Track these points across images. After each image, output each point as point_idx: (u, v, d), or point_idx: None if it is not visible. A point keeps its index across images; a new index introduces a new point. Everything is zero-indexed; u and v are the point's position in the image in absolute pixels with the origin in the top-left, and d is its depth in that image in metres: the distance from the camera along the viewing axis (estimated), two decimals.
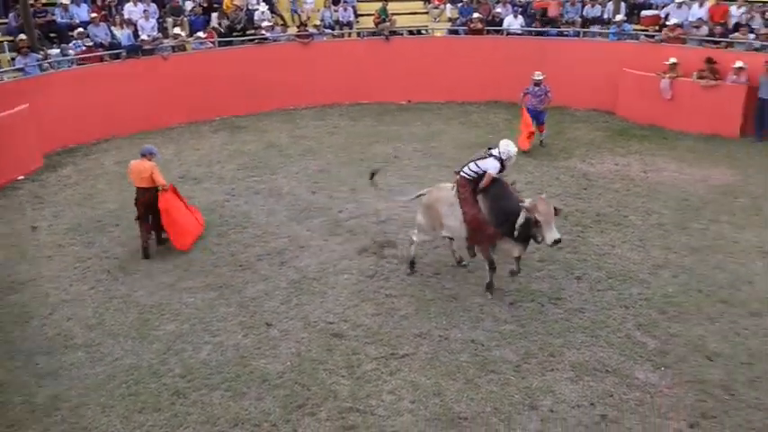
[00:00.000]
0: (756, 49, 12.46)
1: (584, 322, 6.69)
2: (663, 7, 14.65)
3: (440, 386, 5.82)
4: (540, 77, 11.72)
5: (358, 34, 15.90)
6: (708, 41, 13.18)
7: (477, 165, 7.04)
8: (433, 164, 11.32)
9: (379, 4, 15.59)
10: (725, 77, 12.30)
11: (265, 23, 14.79)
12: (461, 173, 7.17)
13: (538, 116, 11.77)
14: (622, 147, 12.02)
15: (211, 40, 14.30)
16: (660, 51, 13.14)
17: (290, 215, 9.41)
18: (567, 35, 14.85)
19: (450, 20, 16.33)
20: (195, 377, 6.03)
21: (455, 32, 15.55)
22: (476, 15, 15.11)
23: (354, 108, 14.88)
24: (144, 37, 13.55)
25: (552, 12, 15.43)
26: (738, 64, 12.00)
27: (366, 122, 13.89)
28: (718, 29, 13.32)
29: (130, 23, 13.89)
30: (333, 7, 15.86)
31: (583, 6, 15.20)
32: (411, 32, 16.23)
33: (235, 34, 14.63)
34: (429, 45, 15.45)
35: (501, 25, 15.14)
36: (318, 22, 15.28)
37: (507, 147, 6.98)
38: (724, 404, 5.53)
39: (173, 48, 13.86)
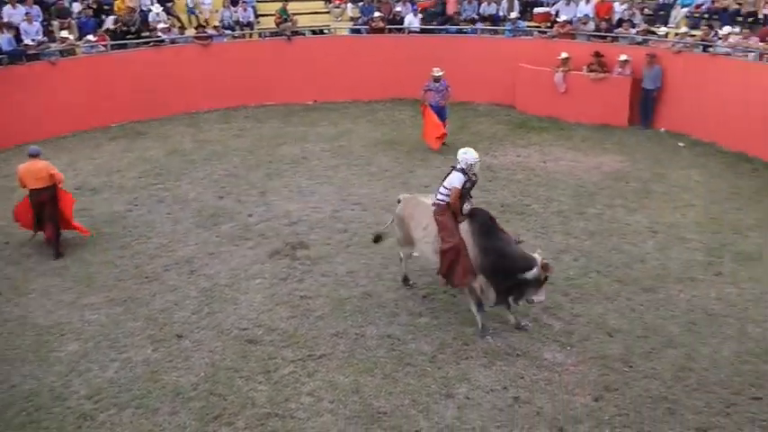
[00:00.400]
0: (638, 43, 13.31)
1: (495, 309, 6.89)
2: (553, 4, 15.38)
3: (358, 383, 5.85)
4: (440, 73, 11.78)
5: (259, 35, 15.66)
6: (595, 36, 13.95)
7: (444, 186, 6.47)
8: (342, 163, 11.34)
9: (279, 5, 15.42)
10: (612, 70, 13.07)
11: (161, 25, 14.27)
12: (436, 202, 6.58)
13: (440, 112, 11.94)
14: (522, 139, 12.52)
15: (103, 43, 13.63)
16: (553, 47, 13.78)
17: (197, 222, 9.15)
18: (465, 32, 15.28)
19: (351, 19, 16.40)
20: (103, 397, 5.75)
21: (357, 32, 15.63)
22: (377, 14, 15.26)
23: (260, 110, 14.65)
24: (28, 42, 12.72)
25: (450, 9, 15.82)
26: (623, 57, 12.79)
27: (272, 124, 13.71)
28: (604, 24, 14.14)
29: (11, 27, 12.97)
30: (232, 8, 15.52)
31: (479, 4, 15.69)
32: (313, 32, 16.16)
33: (129, 37, 14.01)
34: (332, 44, 15.45)
35: (402, 24, 15.37)
36: (217, 23, 14.92)
37: (465, 155, 6.40)
38: (624, 376, 5.90)
39: (60, 52, 13.10)
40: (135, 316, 6.95)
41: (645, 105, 12.88)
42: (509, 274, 6.16)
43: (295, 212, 9.38)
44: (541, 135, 12.70)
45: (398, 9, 15.65)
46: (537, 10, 15.65)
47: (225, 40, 14.90)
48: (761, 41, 11.79)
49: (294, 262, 8.04)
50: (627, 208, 9.38)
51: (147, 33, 14.24)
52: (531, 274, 6.11)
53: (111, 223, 9.03)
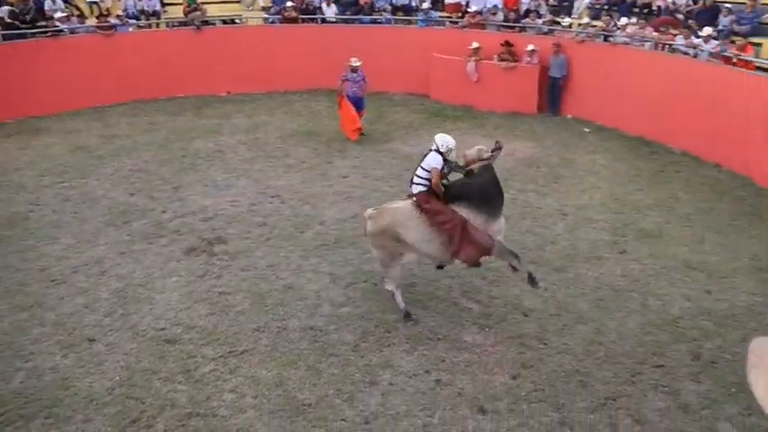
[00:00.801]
0: (545, 33, 13.81)
1: (415, 296, 7.04)
2: None
3: (282, 377, 5.81)
4: (357, 63, 11.73)
5: (167, 24, 15.10)
6: (504, 27, 14.36)
7: (423, 168, 6.36)
8: (258, 155, 11.16)
9: None
10: (521, 59, 13.50)
11: (59, 14, 13.49)
12: (414, 186, 6.42)
13: (357, 102, 11.91)
14: (438, 127, 12.69)
15: None
16: (464, 36, 14.07)
17: (106, 221, 8.75)
18: (379, 22, 15.34)
19: (263, 8, 16.10)
20: (8, 409, 5.42)
21: (270, 21, 15.36)
22: (289, 4, 15.03)
23: (171, 102, 14.16)
24: None
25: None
26: (530, 47, 13.24)
27: (185, 117, 13.29)
28: (512, 15, 14.57)
29: None
30: None
31: None
32: (224, 22, 15.75)
33: (24, 26, 13.15)
34: (245, 35, 15.10)
35: (315, 13, 15.24)
36: (121, 12, 14.25)
37: (443, 139, 6.36)
38: (539, 353, 6.16)
39: None
40: (42, 321, 6.58)
41: (552, 93, 13.40)
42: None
43: (211, 207, 9.15)
44: (456, 123, 12.96)
45: None
46: (448, 0, 15.92)
47: (130, 29, 14.27)
48: (655, 31, 12.51)
49: (212, 258, 7.85)
50: (538, 192, 9.75)
51: (44, 23, 13.42)
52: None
53: (11, 226, 8.50)
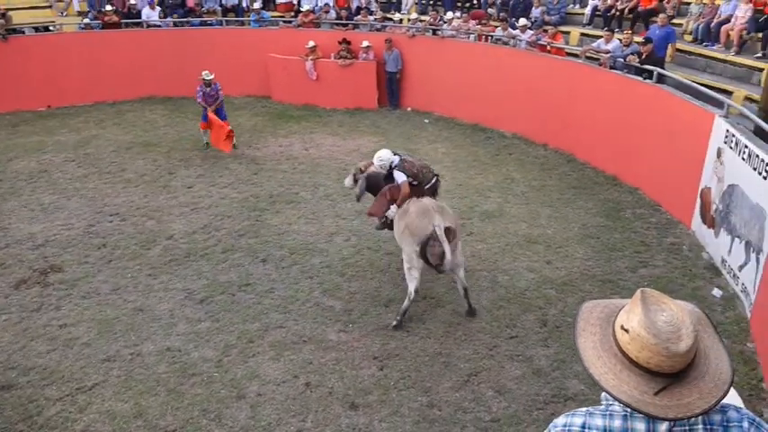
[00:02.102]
0: (378, 30, 14.16)
1: (276, 301, 6.91)
2: None
3: (140, 406, 5.43)
4: (210, 77, 10.82)
5: None
6: (337, 24, 14.52)
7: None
8: (91, 172, 10.35)
9: None
10: (357, 56, 13.73)
11: None
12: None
13: (218, 113, 11.02)
14: (283, 128, 12.61)
15: None
16: (300, 36, 14.04)
17: None
18: (210, 24, 14.83)
19: (79, 13, 14.92)
20: None
21: (88, 27, 14.25)
22: (109, 8, 14.09)
23: None
24: None
25: (191, 1, 15.22)
26: (365, 43, 13.51)
27: None
28: (344, 12, 14.78)
29: None
30: None
31: None
32: (36, 29, 14.37)
33: None
34: (62, 42, 13.89)
35: (139, 17, 14.39)
36: None
37: (381, 159, 6.80)
38: (403, 341, 6.29)
39: None
40: None
41: (390, 87, 13.80)
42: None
43: (40, 233, 8.32)
44: (301, 123, 12.91)
45: (133, 2, 14.61)
46: (279, 0, 15.79)
47: None
48: (477, 24, 13.32)
49: (47, 289, 7.14)
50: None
51: None
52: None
53: None
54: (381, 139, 12.08)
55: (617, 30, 11.87)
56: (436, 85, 13.27)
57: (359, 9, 14.71)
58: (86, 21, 14.29)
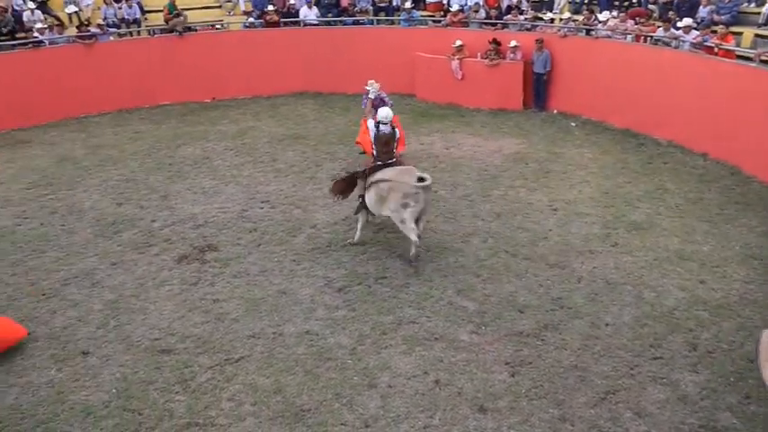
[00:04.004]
0: (527, 29, 13.85)
1: (410, 296, 7.02)
2: None
3: (279, 383, 5.76)
4: (376, 85, 10.60)
5: (148, 32, 14.99)
6: (486, 24, 14.38)
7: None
8: (247, 161, 11.09)
9: (167, 0, 14.81)
10: (505, 56, 13.53)
11: (39, 25, 13.34)
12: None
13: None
14: (425, 127, 12.74)
15: None
16: (447, 35, 14.08)
17: (95, 231, 8.66)
18: (362, 23, 15.31)
19: (245, 13, 16.02)
20: (4, 426, 5.34)
21: (251, 26, 15.28)
22: (271, 7, 14.98)
23: (156, 110, 14.07)
24: None
25: (345, 1, 15.80)
26: (513, 43, 13.26)
27: (170, 124, 13.20)
28: (494, 12, 14.60)
29: None
30: (115, 5, 14.74)
31: None
32: (206, 27, 15.65)
33: (3, 38, 13.00)
34: (227, 39, 14.99)
35: (297, 16, 15.19)
36: (101, 21, 14.13)
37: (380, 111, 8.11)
38: (537, 349, 6.15)
39: None
40: (34, 336, 6.47)
41: (537, 89, 13.43)
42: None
43: (201, 215, 9.08)
44: (443, 122, 12.97)
45: (292, 2, 15.45)
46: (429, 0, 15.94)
47: (111, 38, 14.14)
48: (635, 23, 12.59)
49: (204, 265, 7.79)
50: (528, 188, 9.77)
51: (23, 34, 13.27)
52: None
53: None
54: (524, 140, 11.82)
55: None
56: (586, 87, 12.74)
57: (509, 8, 14.45)
58: (251, 20, 15.32)
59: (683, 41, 11.33)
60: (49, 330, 6.58)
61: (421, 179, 7.27)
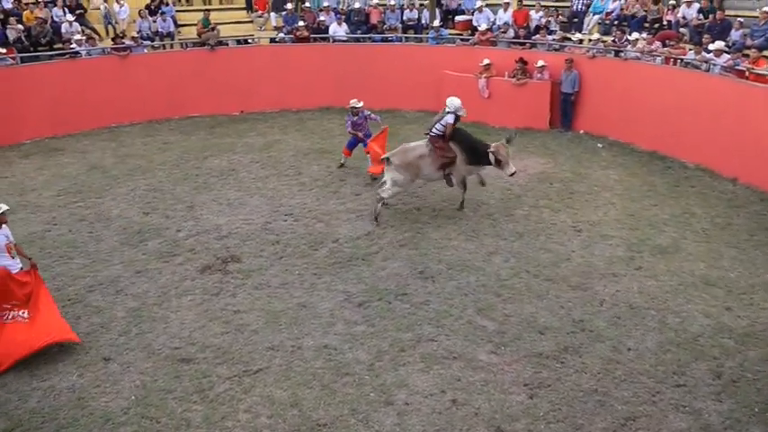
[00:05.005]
0: (556, 50, 13.83)
1: (430, 314, 7.00)
2: (473, 13, 15.77)
3: (296, 396, 5.78)
4: (359, 105, 10.79)
5: (181, 45, 15.30)
6: (514, 43, 14.40)
7: (441, 123, 9.13)
8: (272, 174, 11.21)
9: (201, 14, 15.13)
10: (532, 75, 13.51)
11: (77, 37, 13.72)
12: (431, 133, 9.21)
13: (364, 142, 10.96)
14: None
15: (12, 56, 12.94)
16: (475, 54, 14.13)
17: (121, 240, 8.81)
18: (390, 41, 15.44)
19: (275, 28, 16.28)
20: (25, 429, 5.44)
21: (282, 41, 15.51)
22: (301, 23, 15.20)
23: (185, 122, 14.32)
24: None
25: (374, 18, 15.96)
26: (541, 63, 13.25)
27: (199, 136, 13.42)
28: (522, 31, 14.61)
29: None
30: (150, 18, 15.09)
31: (402, 12, 15.91)
32: (238, 42, 15.94)
33: (40, 49, 13.39)
34: (257, 54, 15.26)
35: (327, 32, 15.38)
36: (136, 34, 14.48)
37: (452, 101, 9.13)
38: (557, 372, 6.08)
39: None
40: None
41: (564, 109, 13.38)
42: (479, 155, 9.21)
43: (225, 226, 9.19)
44: None
45: (322, 18, 15.66)
46: (458, 18, 16.02)
47: (145, 51, 14.47)
48: (663, 46, 12.50)
49: (226, 276, 7.87)
50: (552, 208, 9.70)
51: (60, 45, 13.66)
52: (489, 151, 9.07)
53: (27, 245, 8.53)
54: (549, 160, 11.76)
55: None
56: (613, 108, 12.65)
57: (538, 28, 14.47)
58: (281, 35, 15.56)
59: (714, 65, 11.21)
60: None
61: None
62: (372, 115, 11.07)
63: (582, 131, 13.29)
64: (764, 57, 11.31)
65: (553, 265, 8.02)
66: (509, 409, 5.60)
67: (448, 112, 9.10)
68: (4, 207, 6.65)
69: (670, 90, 11.62)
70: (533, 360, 6.25)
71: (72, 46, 13.56)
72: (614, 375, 6.00)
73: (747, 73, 10.66)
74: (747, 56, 11.16)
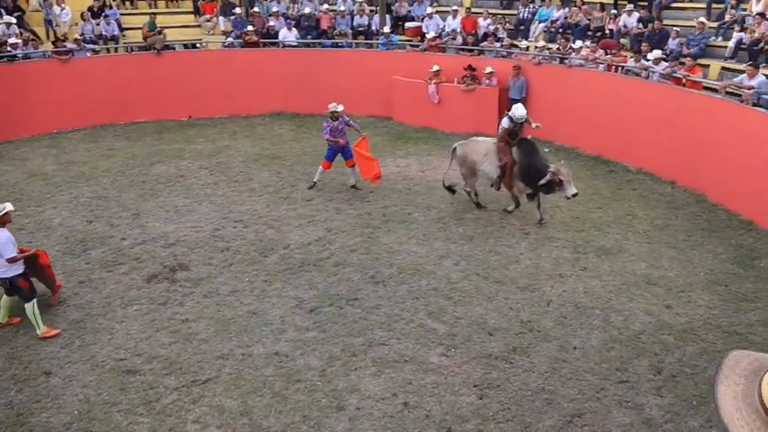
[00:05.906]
0: (503, 56, 14.11)
1: (381, 318, 7.03)
2: (423, 19, 15.95)
3: (246, 405, 5.71)
4: (339, 108, 10.22)
5: (126, 49, 14.95)
6: (463, 50, 14.62)
7: (502, 125, 9.56)
8: (221, 180, 11.06)
9: (146, 18, 14.81)
10: (481, 82, 13.74)
11: (12, 39, 13.23)
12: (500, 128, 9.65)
13: (344, 151, 10.41)
14: (401, 149, 12.84)
15: None
16: (425, 60, 14.27)
17: (63, 249, 8.54)
18: (341, 46, 15.46)
19: (224, 33, 16.09)
20: None
21: (230, 46, 15.33)
22: (250, 28, 15.07)
23: (131, 127, 13.99)
24: None
25: (324, 24, 15.95)
26: (489, 69, 13.49)
27: (145, 142, 13.13)
28: (470, 38, 14.86)
29: None
30: (93, 21, 14.70)
31: (352, 18, 15.95)
32: (185, 46, 15.67)
33: None
34: (206, 59, 15.03)
35: (276, 38, 15.29)
36: (78, 37, 14.07)
37: (516, 109, 9.37)
38: (506, 372, 6.18)
39: None
40: None
41: None
42: (532, 179, 9.03)
43: (172, 233, 9.01)
44: (419, 145, 13.09)
45: (272, 23, 15.55)
46: (408, 24, 16.17)
47: (88, 54, 14.08)
48: (605, 54, 12.91)
49: (173, 285, 7.71)
50: (500, 212, 9.87)
51: None
52: (544, 180, 8.83)
53: None
54: None
55: (763, 64, 11.05)
56: (559, 114, 12.97)
57: (486, 35, 14.73)
58: (230, 40, 15.38)
59: (653, 72, 11.64)
60: (10, 350, 6.45)
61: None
62: (351, 122, 10.47)
63: (529, 137, 13.53)
64: (699, 65, 11.81)
65: (502, 268, 8.16)
66: (459, 410, 5.67)
67: (506, 116, 9.53)
68: (9, 207, 6.45)
69: (612, 96, 12.00)
70: (483, 361, 6.34)
71: (8, 49, 13.07)
72: (561, 374, 6.14)
73: (684, 80, 11.11)
74: (683, 64, 11.64)
